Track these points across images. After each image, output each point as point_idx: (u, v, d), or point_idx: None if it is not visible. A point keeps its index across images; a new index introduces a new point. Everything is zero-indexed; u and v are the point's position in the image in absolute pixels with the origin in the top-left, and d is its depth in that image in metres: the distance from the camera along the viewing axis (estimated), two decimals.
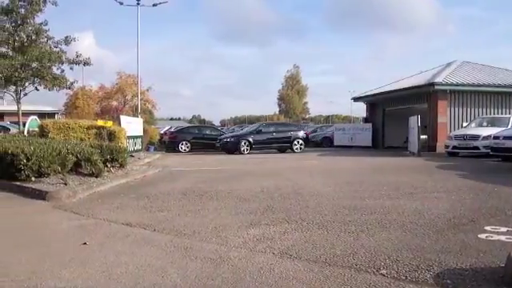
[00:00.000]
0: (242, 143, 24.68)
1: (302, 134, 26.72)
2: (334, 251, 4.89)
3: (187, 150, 27.58)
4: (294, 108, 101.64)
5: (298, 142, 25.78)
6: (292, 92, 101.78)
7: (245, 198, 8.58)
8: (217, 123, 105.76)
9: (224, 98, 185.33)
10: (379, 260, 4.54)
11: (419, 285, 3.89)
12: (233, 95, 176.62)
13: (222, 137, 26.82)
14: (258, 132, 25.63)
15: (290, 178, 12.05)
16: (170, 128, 39.29)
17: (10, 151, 9.62)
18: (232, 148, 24.72)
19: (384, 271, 4.22)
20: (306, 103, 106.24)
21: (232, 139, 25.73)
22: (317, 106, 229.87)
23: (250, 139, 24.96)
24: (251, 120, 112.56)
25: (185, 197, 8.84)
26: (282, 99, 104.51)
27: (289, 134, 25.98)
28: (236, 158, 20.79)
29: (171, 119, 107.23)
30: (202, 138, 28.39)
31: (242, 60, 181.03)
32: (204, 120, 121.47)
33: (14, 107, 24.28)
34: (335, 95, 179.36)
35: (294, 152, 25.11)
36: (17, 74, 19.93)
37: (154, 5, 31.30)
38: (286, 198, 8.55)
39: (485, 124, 20.90)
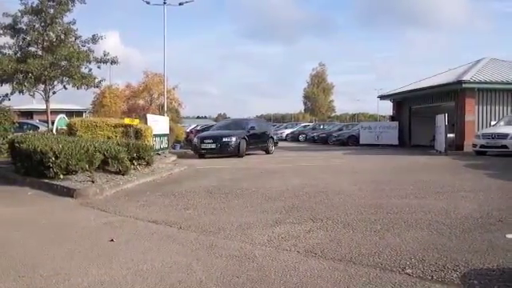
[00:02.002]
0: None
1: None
2: (359, 250, 4.87)
3: None
4: (320, 106, 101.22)
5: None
6: (318, 90, 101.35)
7: (270, 196, 8.60)
8: None
9: (250, 96, 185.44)
10: (405, 259, 4.51)
11: (445, 285, 3.85)
12: (259, 93, 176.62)
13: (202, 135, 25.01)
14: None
15: (315, 176, 12.01)
16: (196, 126, 39.46)
17: (39, 149, 9.79)
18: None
19: (409, 270, 4.19)
20: (331, 101, 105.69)
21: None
22: (343, 104, 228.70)
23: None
24: (277, 118, 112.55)
25: (210, 195, 8.90)
26: (307, 97, 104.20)
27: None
28: (263, 156, 20.81)
29: (197, 117, 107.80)
30: None
31: (268, 58, 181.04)
32: (229, 118, 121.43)
33: (42, 106, 24.64)
34: (362, 93, 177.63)
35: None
36: (46, 73, 20.23)
37: (180, 4, 31.48)
38: (311, 196, 8.53)
39: None
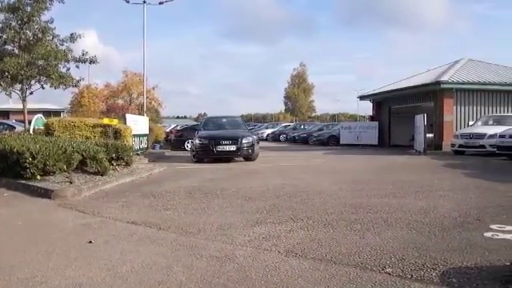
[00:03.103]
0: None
1: None
2: (339, 249, 4.88)
3: None
4: (300, 106, 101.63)
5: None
6: (298, 90, 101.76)
7: (251, 196, 8.58)
8: None
9: (230, 96, 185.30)
10: (385, 258, 4.53)
11: (425, 283, 3.87)
12: (239, 93, 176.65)
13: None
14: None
15: (296, 176, 12.04)
16: (176, 126, 39.31)
17: (15, 150, 9.63)
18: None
19: (389, 270, 4.21)
20: (312, 101, 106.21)
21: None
22: (323, 104, 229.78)
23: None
24: (257, 118, 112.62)
25: (190, 195, 8.85)
26: (288, 98, 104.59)
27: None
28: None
29: (177, 117, 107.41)
30: None
31: (249, 58, 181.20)
32: None
33: (19, 105, 24.31)
34: (342, 93, 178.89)
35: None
36: (23, 72, 19.95)
37: (160, 3, 31.25)
38: (291, 196, 8.54)
39: (491, 122, 20.80)
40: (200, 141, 17.52)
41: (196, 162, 17.48)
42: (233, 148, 17.19)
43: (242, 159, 17.57)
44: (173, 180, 11.45)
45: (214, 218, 6.69)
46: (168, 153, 23.90)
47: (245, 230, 5.85)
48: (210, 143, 17.22)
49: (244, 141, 17.42)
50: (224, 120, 21.15)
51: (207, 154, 17.29)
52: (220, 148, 17.14)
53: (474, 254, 4.58)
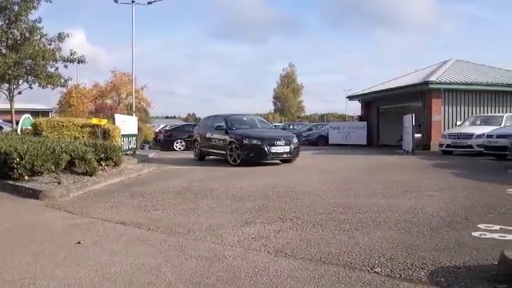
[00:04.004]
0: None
1: None
2: (328, 249, 4.90)
3: (182, 148, 27.53)
4: (289, 106, 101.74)
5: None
6: (287, 91, 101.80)
7: (240, 196, 8.58)
8: None
9: (219, 96, 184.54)
10: (373, 258, 4.55)
11: (413, 283, 3.89)
12: (228, 93, 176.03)
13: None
14: None
15: (285, 176, 12.06)
16: (165, 126, 39.19)
17: (2, 150, 9.57)
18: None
19: (378, 269, 4.23)
20: (301, 102, 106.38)
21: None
22: (312, 104, 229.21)
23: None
24: None
25: (179, 195, 8.84)
26: (277, 98, 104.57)
27: None
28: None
29: (166, 117, 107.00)
30: None
31: (237, 58, 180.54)
32: (199, 118, 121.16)
33: (6, 105, 24.16)
34: (331, 94, 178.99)
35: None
36: (10, 71, 19.82)
37: (149, 2, 31.21)
38: (281, 196, 8.55)
39: (478, 123, 20.96)
40: (248, 141, 15.48)
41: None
42: (287, 149, 15.73)
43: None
44: (162, 180, 11.42)
45: (203, 218, 6.69)
46: (157, 153, 23.84)
47: (234, 231, 5.84)
48: (263, 144, 15.36)
49: (295, 141, 16.32)
50: (249, 118, 18.99)
51: (259, 156, 15.48)
52: (274, 150, 15.49)
53: (462, 254, 4.61)
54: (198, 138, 18.68)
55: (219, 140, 16.87)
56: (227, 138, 16.23)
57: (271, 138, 15.71)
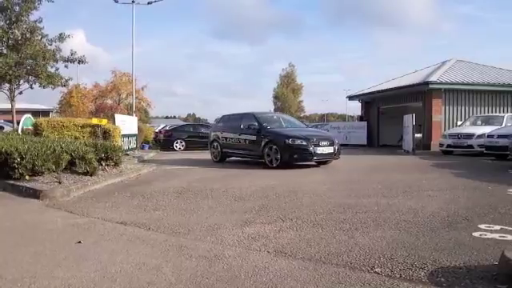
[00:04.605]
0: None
1: None
2: (328, 249, 4.89)
3: (182, 148, 27.58)
4: (289, 106, 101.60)
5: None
6: (287, 90, 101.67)
7: (240, 196, 8.58)
8: (212, 121, 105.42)
9: (219, 96, 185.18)
10: (373, 258, 4.55)
11: (413, 283, 3.89)
12: (228, 93, 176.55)
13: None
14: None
15: (284, 176, 12.03)
16: (165, 126, 39.23)
17: (3, 150, 9.57)
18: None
19: (378, 269, 4.23)
20: (301, 102, 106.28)
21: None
22: (312, 104, 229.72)
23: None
24: None
25: (180, 195, 8.83)
26: (277, 98, 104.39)
27: None
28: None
29: (166, 117, 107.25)
30: (196, 137, 28.31)
31: (236, 58, 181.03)
32: (199, 118, 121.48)
33: (7, 105, 24.20)
34: (331, 93, 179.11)
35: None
36: (11, 71, 19.84)
37: (149, 3, 31.24)
38: (281, 196, 8.54)
39: (479, 123, 20.99)
40: (292, 141, 14.24)
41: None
42: (330, 150, 14.73)
43: (234, 159, 17.36)
44: (162, 180, 11.42)
45: (203, 218, 6.68)
46: (157, 153, 23.83)
47: (234, 230, 5.84)
48: (308, 145, 14.23)
49: (337, 141, 15.42)
50: (279, 117, 18.23)
51: (304, 158, 14.43)
52: (320, 150, 14.38)
53: (462, 254, 4.60)
54: (218, 139, 17.29)
55: (249, 140, 15.67)
56: (261, 138, 15.04)
57: (316, 138, 14.63)
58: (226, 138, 16.81)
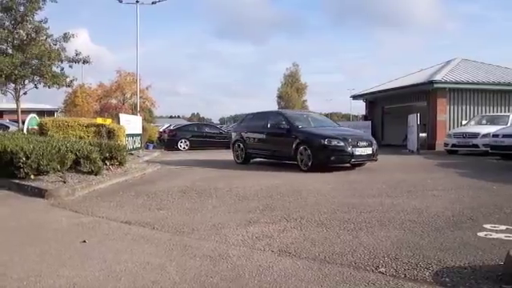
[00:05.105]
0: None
1: None
2: (332, 249, 4.89)
3: (186, 147, 27.59)
4: (294, 106, 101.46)
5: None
6: (291, 90, 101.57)
7: (244, 196, 8.58)
8: (216, 121, 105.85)
9: (223, 96, 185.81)
10: (378, 258, 4.54)
11: (418, 283, 3.88)
12: (232, 93, 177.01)
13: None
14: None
15: (288, 176, 12.02)
16: (169, 126, 39.23)
17: (9, 149, 9.61)
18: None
19: (383, 269, 4.22)
20: (305, 101, 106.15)
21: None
22: (316, 103, 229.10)
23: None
24: None
25: (184, 195, 8.84)
26: (281, 97, 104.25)
27: None
28: None
29: (170, 117, 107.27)
30: (201, 136, 28.38)
31: (239, 57, 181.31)
32: (203, 118, 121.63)
33: (13, 105, 24.31)
34: (334, 93, 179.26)
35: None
36: (16, 71, 19.90)
37: (153, 2, 31.28)
38: (285, 195, 8.54)
39: (484, 122, 20.90)
40: (328, 142, 13.07)
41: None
42: (369, 151, 13.58)
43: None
44: (166, 179, 11.43)
45: (207, 217, 6.69)
46: (162, 153, 23.85)
47: (238, 230, 5.85)
48: (346, 145, 13.05)
49: (374, 141, 14.26)
50: (308, 115, 16.84)
51: (342, 160, 13.31)
52: (358, 152, 13.26)
53: (467, 254, 4.59)
54: (242, 139, 16.30)
55: (277, 141, 14.74)
56: (291, 138, 13.96)
57: (354, 138, 13.55)
58: (250, 138, 15.96)
